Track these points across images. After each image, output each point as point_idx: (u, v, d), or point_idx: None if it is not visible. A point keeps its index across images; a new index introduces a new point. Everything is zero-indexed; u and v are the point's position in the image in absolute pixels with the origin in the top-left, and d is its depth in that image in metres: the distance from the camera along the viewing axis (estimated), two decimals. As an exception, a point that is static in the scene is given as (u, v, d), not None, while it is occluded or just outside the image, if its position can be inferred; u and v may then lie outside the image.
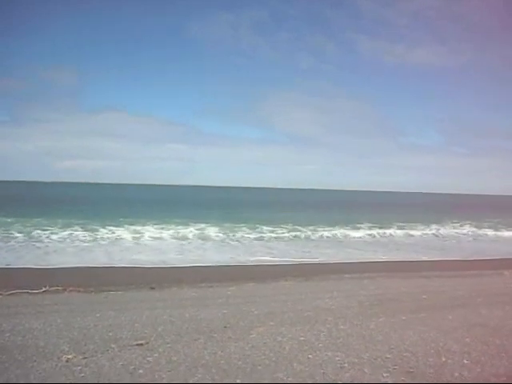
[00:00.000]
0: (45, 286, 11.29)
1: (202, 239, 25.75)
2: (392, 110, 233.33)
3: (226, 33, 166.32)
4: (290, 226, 32.06)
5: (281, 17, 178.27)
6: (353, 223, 35.22)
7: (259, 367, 5.34)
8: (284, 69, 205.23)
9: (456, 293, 10.70)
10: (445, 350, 6.07)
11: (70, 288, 11.39)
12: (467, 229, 36.00)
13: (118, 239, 24.31)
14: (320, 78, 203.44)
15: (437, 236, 32.01)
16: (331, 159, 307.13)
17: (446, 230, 34.70)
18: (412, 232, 32.37)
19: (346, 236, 29.14)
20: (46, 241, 22.80)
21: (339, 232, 30.31)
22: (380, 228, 32.98)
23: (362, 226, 34.22)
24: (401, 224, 35.89)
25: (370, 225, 34.82)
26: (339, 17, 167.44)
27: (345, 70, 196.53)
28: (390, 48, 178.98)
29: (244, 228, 30.19)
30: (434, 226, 35.82)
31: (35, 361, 5.51)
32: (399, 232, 31.96)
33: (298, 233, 29.17)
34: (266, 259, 19.68)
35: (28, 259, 17.75)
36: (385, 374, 5.17)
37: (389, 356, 5.77)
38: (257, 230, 29.70)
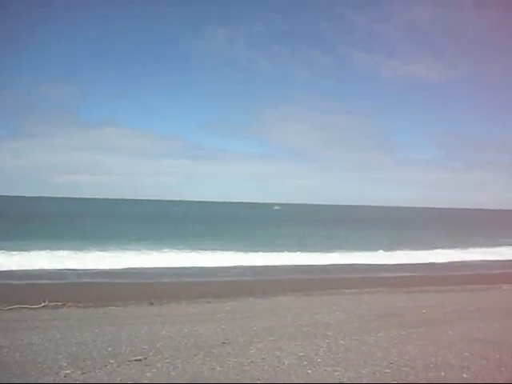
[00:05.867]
0: (44, 301, 11.26)
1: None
2: (389, 123, 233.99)
3: (222, 46, 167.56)
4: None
5: (276, 31, 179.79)
6: (366, 247, 32.09)
7: (258, 382, 5.31)
8: (281, 82, 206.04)
9: (455, 307, 10.67)
10: (444, 364, 6.03)
11: (69, 303, 11.36)
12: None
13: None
14: (317, 91, 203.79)
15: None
16: (328, 173, 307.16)
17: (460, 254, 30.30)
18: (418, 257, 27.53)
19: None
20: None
21: (370, 259, 26.10)
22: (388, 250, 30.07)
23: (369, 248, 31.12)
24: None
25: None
26: (334, 30, 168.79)
27: (341, 83, 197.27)
28: (385, 62, 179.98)
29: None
30: (438, 251, 30.86)
31: (33, 376, 5.47)
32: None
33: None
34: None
35: None
36: (384, 389, 5.13)
37: (388, 371, 5.73)
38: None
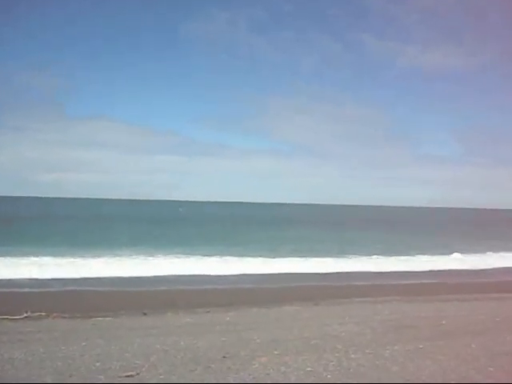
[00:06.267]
0: (26, 312, 11.29)
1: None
2: (405, 116, 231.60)
3: (222, 32, 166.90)
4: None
5: (281, 15, 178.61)
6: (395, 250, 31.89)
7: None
8: (286, 72, 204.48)
9: (478, 317, 10.65)
10: (466, 380, 6.03)
11: (54, 314, 11.39)
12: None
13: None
14: (325, 81, 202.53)
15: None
16: (339, 171, 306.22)
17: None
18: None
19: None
20: None
21: (385, 264, 26.13)
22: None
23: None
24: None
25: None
26: (344, 15, 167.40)
27: (352, 72, 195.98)
28: (401, 49, 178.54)
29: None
30: (459, 256, 31.11)
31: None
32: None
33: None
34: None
35: None
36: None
37: (404, 388, 5.74)
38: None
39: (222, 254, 28.15)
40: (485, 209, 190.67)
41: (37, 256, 24.33)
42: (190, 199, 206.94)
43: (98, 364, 6.66)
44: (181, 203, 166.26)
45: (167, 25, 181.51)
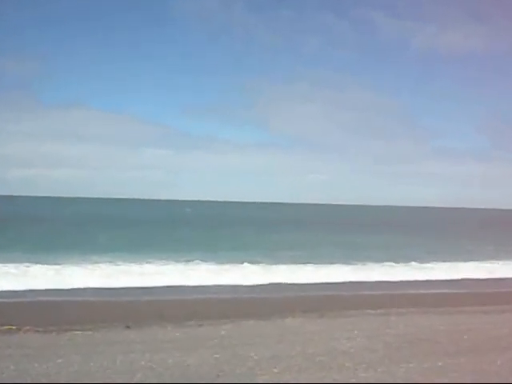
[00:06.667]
0: (-6, 325, 11.26)
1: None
2: (421, 104, 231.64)
3: (214, 11, 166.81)
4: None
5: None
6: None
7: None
8: (284, 55, 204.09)
9: (505, 331, 10.68)
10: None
11: (26, 327, 11.34)
12: None
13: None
14: (329, 65, 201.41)
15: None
16: (344, 167, 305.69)
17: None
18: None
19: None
20: None
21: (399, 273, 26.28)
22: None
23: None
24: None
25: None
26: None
27: (361, 55, 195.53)
28: (416, 28, 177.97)
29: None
30: (484, 263, 30.60)
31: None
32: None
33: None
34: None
35: None
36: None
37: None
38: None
39: (214, 260, 28.15)
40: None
41: (4, 263, 24.26)
42: (178, 198, 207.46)
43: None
44: (169, 203, 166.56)
45: (153, 2, 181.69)
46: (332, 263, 28.50)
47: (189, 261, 27.66)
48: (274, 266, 26.88)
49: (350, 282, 23.09)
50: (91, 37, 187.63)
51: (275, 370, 7.31)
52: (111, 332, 11.23)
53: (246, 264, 26.91)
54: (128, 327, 11.85)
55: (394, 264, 29.25)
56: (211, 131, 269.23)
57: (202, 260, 27.97)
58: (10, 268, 23.44)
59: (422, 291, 20.45)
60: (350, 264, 28.66)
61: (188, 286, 20.88)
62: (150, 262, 27.15)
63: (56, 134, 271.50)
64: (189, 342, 9.63)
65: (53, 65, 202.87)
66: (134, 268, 25.45)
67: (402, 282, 23.43)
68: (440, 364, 7.73)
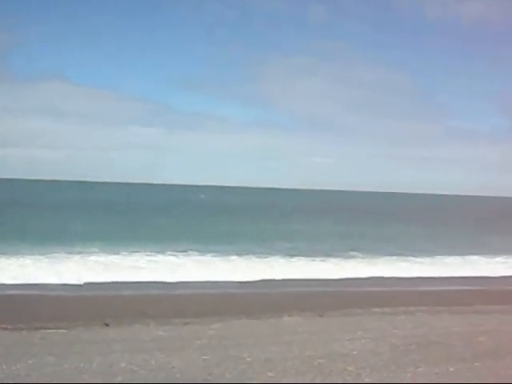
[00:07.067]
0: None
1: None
2: (437, 82, 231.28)
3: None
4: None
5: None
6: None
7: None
8: (288, 25, 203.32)
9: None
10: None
11: (-7, 324, 11.37)
12: None
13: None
14: (337, 37, 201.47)
15: None
16: (353, 149, 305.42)
17: None
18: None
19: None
20: None
21: (409, 268, 26.62)
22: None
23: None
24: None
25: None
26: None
27: (372, 27, 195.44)
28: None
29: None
30: (502, 258, 30.76)
31: None
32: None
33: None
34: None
35: None
36: None
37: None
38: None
39: (202, 251, 28.14)
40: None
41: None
42: (167, 182, 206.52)
43: (47, 386, 6.68)
44: (156, 187, 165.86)
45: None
46: (335, 256, 28.60)
47: (175, 252, 27.71)
48: (268, 259, 26.96)
49: (354, 278, 23.15)
50: (66, 5, 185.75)
51: (270, 374, 7.35)
52: (88, 330, 11.25)
53: (234, 257, 27.01)
54: (107, 325, 11.89)
55: (403, 258, 29.34)
56: (203, 107, 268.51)
57: (189, 251, 28.03)
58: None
59: (433, 288, 20.54)
60: (353, 257, 28.76)
61: (173, 281, 20.90)
62: (133, 253, 27.19)
63: (28, 109, 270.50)
64: (174, 342, 9.67)
65: (24, 35, 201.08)
66: (113, 260, 25.46)
67: (411, 277, 23.49)
68: (452, 369, 7.78)
